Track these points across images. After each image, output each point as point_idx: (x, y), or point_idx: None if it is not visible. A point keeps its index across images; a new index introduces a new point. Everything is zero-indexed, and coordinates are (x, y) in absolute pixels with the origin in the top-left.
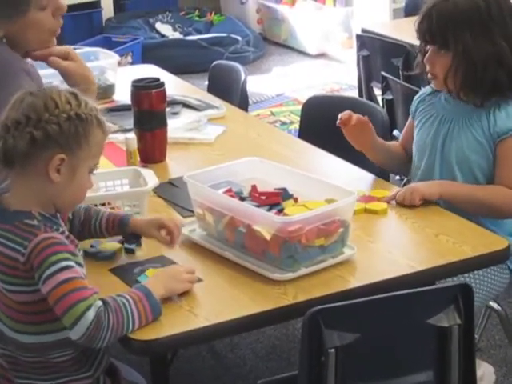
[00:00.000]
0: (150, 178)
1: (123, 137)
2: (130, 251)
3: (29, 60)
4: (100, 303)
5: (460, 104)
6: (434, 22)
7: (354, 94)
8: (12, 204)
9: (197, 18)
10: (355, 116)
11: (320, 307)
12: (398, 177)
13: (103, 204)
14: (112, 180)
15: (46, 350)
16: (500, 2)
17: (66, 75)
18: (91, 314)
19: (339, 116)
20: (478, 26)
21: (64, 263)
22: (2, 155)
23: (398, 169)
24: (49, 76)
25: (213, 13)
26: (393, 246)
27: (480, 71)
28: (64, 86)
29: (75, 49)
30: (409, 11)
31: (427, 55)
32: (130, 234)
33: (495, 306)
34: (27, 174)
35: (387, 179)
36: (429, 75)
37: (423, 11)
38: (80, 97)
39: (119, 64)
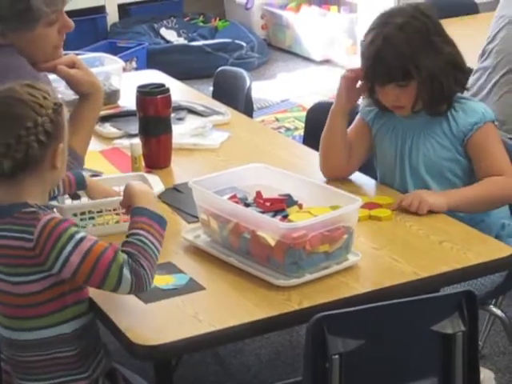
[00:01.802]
0: (156, 183)
1: (128, 142)
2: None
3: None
4: (126, 257)
5: (417, 116)
6: (390, 62)
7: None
8: (4, 198)
9: (201, 24)
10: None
11: (324, 313)
12: None
13: (109, 210)
14: (118, 186)
15: (46, 347)
16: (426, 14)
17: (73, 83)
18: (126, 272)
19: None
20: (425, 46)
21: (77, 236)
22: (12, 170)
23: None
24: (53, 81)
25: (217, 18)
26: (397, 253)
27: (445, 84)
28: (69, 92)
29: (79, 54)
30: None
31: (387, 92)
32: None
33: (498, 312)
34: (35, 175)
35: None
36: (391, 107)
37: (368, 57)
38: (38, 86)
39: (124, 69)
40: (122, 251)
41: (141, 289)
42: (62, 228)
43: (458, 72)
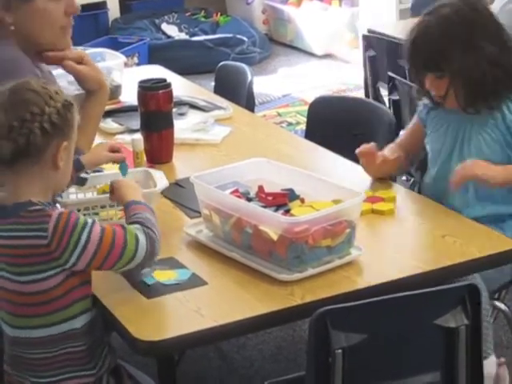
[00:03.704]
0: (161, 179)
1: (130, 138)
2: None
3: (45, 67)
4: (138, 225)
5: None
6: (423, 53)
7: (361, 94)
8: (8, 199)
9: (203, 19)
10: (379, 155)
11: (327, 308)
12: (404, 177)
13: (112, 205)
14: None
15: (56, 343)
16: (475, 8)
17: (80, 79)
18: (141, 236)
19: (360, 149)
20: (463, 41)
21: (89, 222)
22: (11, 154)
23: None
24: (57, 77)
25: (219, 13)
26: (400, 247)
27: (480, 81)
28: (71, 87)
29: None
30: (415, 11)
31: (427, 83)
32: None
33: (502, 306)
34: (35, 167)
35: (394, 179)
36: (437, 99)
37: (407, 45)
38: (54, 87)
39: (125, 65)
40: (131, 223)
41: (153, 253)
42: (73, 220)
43: (496, 69)
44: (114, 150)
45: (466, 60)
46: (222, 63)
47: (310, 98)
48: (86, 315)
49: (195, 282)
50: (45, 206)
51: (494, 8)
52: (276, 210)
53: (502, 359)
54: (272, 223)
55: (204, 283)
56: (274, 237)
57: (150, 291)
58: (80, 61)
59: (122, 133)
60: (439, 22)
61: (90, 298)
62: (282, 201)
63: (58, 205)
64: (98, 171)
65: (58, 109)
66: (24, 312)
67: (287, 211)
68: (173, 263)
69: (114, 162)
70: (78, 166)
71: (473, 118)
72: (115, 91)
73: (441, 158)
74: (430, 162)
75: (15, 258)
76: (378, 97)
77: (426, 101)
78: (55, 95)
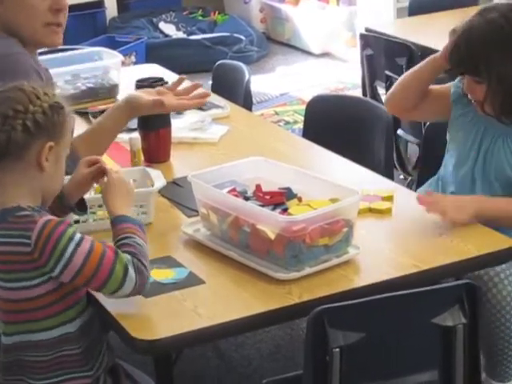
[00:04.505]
0: (158, 178)
1: (127, 137)
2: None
3: (42, 64)
4: (130, 257)
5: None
6: (463, 55)
7: (358, 93)
8: None
9: (200, 18)
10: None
11: (324, 307)
12: (402, 176)
13: None
14: None
15: (52, 347)
16: None
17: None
18: (131, 271)
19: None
20: (505, 49)
21: (77, 236)
22: None
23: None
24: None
25: (216, 12)
26: (397, 246)
27: None
28: (68, 87)
29: (78, 49)
30: (413, 10)
31: (465, 85)
32: (76, 204)
33: None
34: (19, 166)
35: (391, 178)
36: (473, 101)
37: (452, 42)
38: (45, 89)
39: (123, 64)
40: (124, 252)
41: (142, 288)
42: (60, 230)
43: None
44: (92, 163)
45: (507, 68)
46: (219, 62)
47: (308, 97)
48: (81, 318)
49: (192, 280)
50: (34, 211)
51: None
52: (273, 209)
53: None
54: (269, 222)
55: (201, 282)
56: (272, 236)
57: (148, 290)
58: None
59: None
60: (481, 26)
61: (84, 300)
62: (280, 200)
63: None
64: None
65: (44, 109)
66: (14, 318)
67: (285, 210)
68: (170, 262)
69: (94, 178)
70: (62, 203)
71: (502, 129)
72: (112, 90)
73: (467, 163)
74: (452, 160)
75: (6, 265)
76: (375, 96)
77: (462, 84)
78: (43, 96)
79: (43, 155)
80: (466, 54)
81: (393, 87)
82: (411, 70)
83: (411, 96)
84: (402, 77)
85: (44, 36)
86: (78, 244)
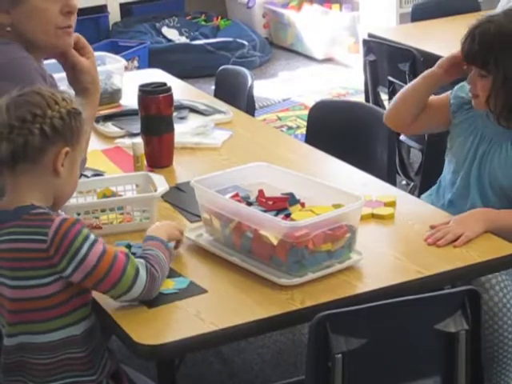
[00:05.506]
0: (161, 183)
1: (130, 142)
2: None
3: (47, 71)
4: (143, 261)
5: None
6: (476, 44)
7: (361, 98)
8: (9, 203)
9: (203, 23)
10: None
11: (327, 312)
12: (404, 181)
13: (112, 209)
14: (123, 185)
15: (57, 349)
16: None
17: (78, 70)
18: (142, 272)
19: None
20: None
21: (91, 237)
22: (11, 155)
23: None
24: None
25: (219, 17)
26: (400, 252)
27: None
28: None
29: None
30: (416, 16)
31: (470, 75)
32: None
33: None
34: (35, 170)
35: (394, 184)
36: (470, 94)
37: (468, 31)
38: (63, 95)
39: (126, 68)
40: (139, 257)
41: (151, 291)
42: (76, 229)
43: None
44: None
45: None
46: (222, 67)
47: (310, 102)
48: (86, 321)
49: (194, 290)
50: (50, 210)
51: (497, 11)
52: (276, 215)
53: None
54: (272, 227)
55: (203, 291)
56: (275, 241)
57: (150, 301)
58: (83, 53)
59: (122, 137)
60: (502, 22)
61: (89, 304)
62: (283, 205)
63: (62, 212)
64: (99, 175)
65: (62, 114)
66: (20, 319)
67: (287, 215)
68: (170, 272)
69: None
70: None
71: (499, 135)
72: (115, 95)
73: (463, 168)
74: (451, 166)
75: (19, 262)
76: (378, 101)
77: (460, 93)
78: (61, 101)
79: (59, 160)
80: (479, 44)
81: (391, 104)
82: (408, 86)
83: (410, 111)
84: (399, 93)
85: (57, 38)
86: (93, 244)
